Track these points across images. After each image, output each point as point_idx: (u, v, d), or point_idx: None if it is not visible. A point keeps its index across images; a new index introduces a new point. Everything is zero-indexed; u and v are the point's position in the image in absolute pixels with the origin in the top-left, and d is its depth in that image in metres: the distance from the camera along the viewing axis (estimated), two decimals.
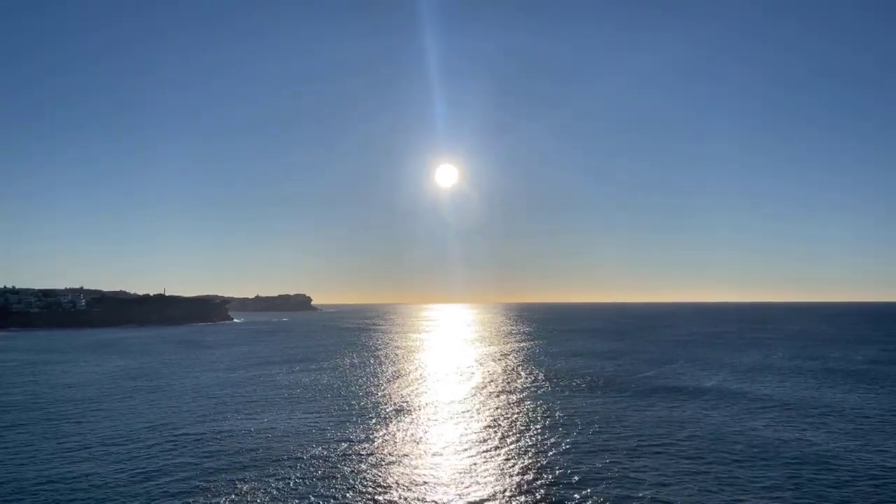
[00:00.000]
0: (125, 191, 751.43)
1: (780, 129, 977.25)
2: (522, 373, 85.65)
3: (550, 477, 36.44)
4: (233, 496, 33.39)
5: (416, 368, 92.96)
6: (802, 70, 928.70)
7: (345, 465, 39.46)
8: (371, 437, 47.20)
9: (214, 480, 36.08)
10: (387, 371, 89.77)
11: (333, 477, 36.81)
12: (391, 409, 59.02)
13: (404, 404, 61.46)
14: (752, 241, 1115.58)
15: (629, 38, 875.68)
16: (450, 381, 78.96)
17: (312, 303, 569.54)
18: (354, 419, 53.94)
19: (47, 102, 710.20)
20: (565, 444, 44.23)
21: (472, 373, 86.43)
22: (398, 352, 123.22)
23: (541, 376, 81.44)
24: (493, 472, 37.78)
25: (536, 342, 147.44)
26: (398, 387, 73.57)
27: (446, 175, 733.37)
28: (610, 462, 39.48)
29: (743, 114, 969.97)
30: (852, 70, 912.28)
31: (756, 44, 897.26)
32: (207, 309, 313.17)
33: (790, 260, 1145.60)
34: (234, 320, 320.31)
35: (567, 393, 67.72)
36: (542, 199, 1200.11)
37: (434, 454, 42.07)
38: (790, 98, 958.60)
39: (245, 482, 35.74)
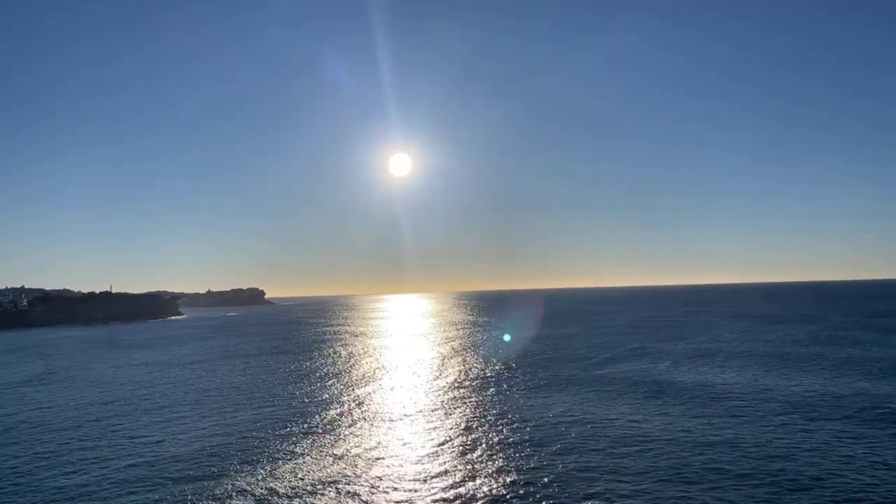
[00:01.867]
0: (66, 187, 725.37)
1: (736, 116, 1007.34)
2: (470, 364, 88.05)
3: (501, 469, 38.97)
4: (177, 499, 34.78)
5: (359, 364, 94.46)
6: (735, 55, 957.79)
7: (283, 468, 41.14)
8: (310, 437, 48.89)
9: (153, 488, 37.34)
10: (325, 368, 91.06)
11: (274, 479, 38.50)
12: (329, 408, 60.71)
13: (345, 403, 63.21)
14: (705, 226, 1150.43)
15: (578, 34, 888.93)
16: (395, 375, 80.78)
17: (266, 296, 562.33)
18: (289, 421, 55.48)
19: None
20: (510, 438, 46.84)
21: (420, 366, 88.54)
22: (341, 347, 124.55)
23: (485, 367, 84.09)
24: (447, 465, 40.10)
25: (486, 331, 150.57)
26: (335, 385, 75.14)
27: (400, 165, 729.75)
28: (547, 454, 42.27)
29: (697, 93, 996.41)
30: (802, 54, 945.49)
31: (708, 36, 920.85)
32: (156, 305, 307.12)
33: (744, 242, 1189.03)
34: (181, 316, 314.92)
35: (508, 384, 70.51)
36: (495, 188, 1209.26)
37: (382, 450, 44.11)
38: (742, 89, 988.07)
39: (186, 490, 37.11)
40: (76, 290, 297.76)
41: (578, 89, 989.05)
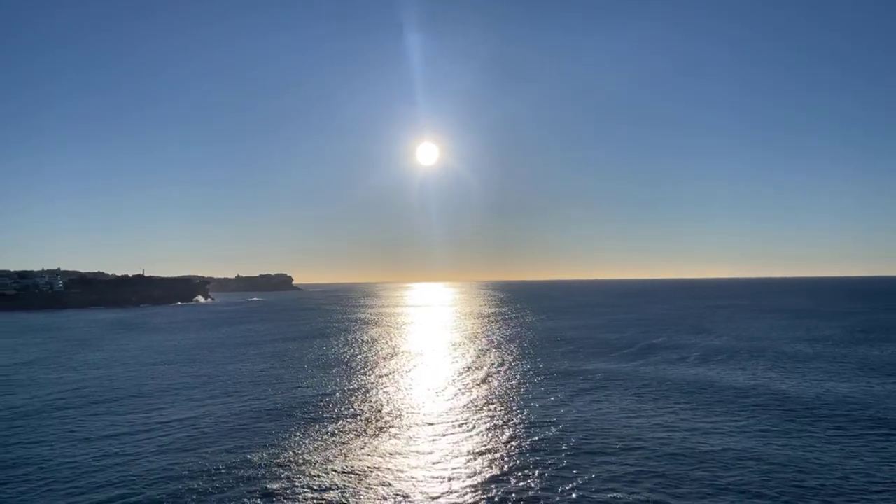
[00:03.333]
0: (103, 174, 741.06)
1: (755, 112, 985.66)
2: (494, 355, 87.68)
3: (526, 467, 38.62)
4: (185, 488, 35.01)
5: (385, 351, 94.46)
6: (769, 47, 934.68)
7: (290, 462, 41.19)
8: (340, 422, 48.94)
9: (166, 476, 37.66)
10: (355, 354, 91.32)
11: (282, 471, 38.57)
12: (359, 394, 60.78)
13: (373, 390, 63.24)
14: (732, 219, 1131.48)
15: (603, 21, 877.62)
16: (422, 364, 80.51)
17: (294, 282, 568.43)
18: (318, 406, 55.63)
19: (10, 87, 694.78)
20: (543, 435, 46.42)
21: (446, 355, 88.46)
22: (369, 334, 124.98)
23: (510, 358, 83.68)
24: (472, 455, 39.84)
25: (512, 321, 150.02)
26: (364, 372, 75.25)
27: (428, 153, 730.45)
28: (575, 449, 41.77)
29: (716, 93, 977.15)
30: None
31: (729, 25, 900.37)
32: (187, 289, 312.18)
33: (771, 238, 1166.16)
34: (211, 301, 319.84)
35: (538, 377, 69.96)
36: (522, 178, 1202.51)
37: (407, 437, 43.95)
38: (761, 76, 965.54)
39: (192, 479, 37.34)
40: (110, 273, 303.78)
41: (606, 77, 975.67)
